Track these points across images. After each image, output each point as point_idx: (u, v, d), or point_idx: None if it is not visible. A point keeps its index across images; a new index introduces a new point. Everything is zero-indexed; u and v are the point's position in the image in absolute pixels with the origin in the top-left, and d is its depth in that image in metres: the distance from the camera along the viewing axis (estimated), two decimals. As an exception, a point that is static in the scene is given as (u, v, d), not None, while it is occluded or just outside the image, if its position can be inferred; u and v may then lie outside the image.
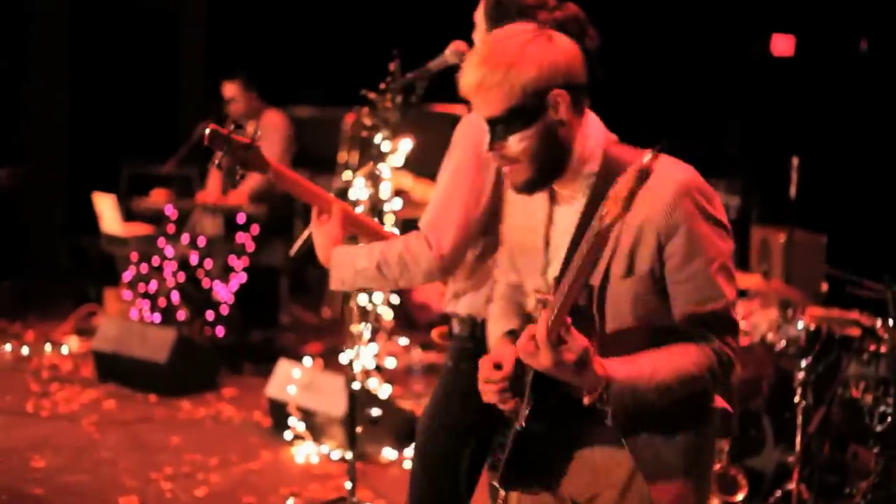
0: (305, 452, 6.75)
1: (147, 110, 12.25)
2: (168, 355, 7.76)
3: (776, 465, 5.93)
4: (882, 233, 8.78)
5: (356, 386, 5.59)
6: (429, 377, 8.35)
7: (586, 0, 3.93)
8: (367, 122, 5.41)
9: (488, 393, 2.94)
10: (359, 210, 5.94)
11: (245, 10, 12.62)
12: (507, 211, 3.15)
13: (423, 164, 7.59)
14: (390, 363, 7.29)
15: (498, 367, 2.93)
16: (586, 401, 2.69)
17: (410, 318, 9.36)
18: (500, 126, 2.79)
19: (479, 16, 3.93)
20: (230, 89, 9.14)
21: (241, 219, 8.68)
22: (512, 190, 2.93)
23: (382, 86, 5.14)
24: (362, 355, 7.16)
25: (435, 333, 4.23)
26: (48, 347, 8.82)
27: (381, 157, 6.56)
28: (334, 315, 9.71)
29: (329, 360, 8.01)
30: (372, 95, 5.21)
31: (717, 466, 5.47)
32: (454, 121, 11.12)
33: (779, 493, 5.72)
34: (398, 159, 6.64)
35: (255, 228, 8.65)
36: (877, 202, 9.11)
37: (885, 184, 8.88)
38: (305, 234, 4.42)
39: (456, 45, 4.35)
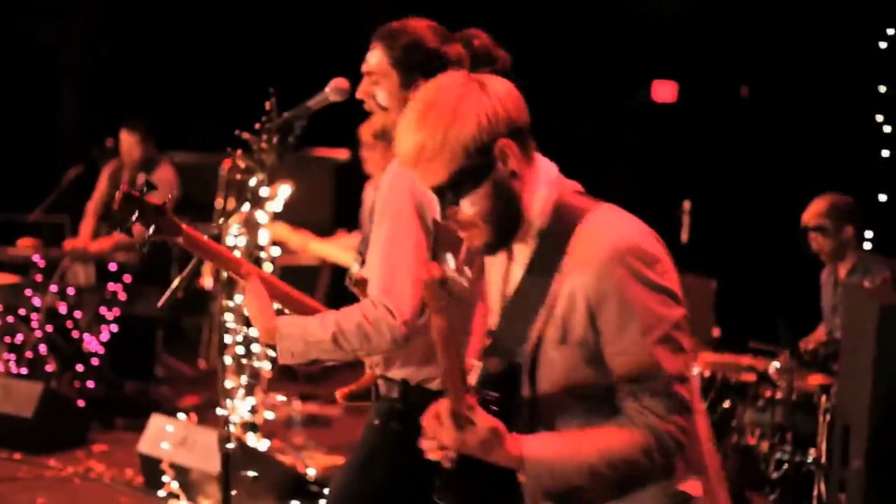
0: (180, 511, 6.43)
1: (22, 154, 11.85)
2: (34, 410, 7.36)
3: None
4: (769, 276, 8.75)
5: (230, 446, 5.26)
6: (309, 429, 8.07)
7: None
8: (242, 164, 5.15)
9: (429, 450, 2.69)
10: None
11: (125, 53, 12.33)
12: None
13: (302, 210, 7.37)
14: (269, 416, 7.02)
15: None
16: (521, 478, 2.55)
17: (290, 369, 9.09)
18: (450, 192, 2.60)
19: (381, 63, 3.69)
20: (129, 138, 8.86)
21: (112, 267, 8.34)
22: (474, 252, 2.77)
23: (257, 126, 4.89)
24: (239, 409, 6.90)
25: (339, 394, 3.96)
26: None
27: (259, 202, 6.32)
28: (210, 367, 9.39)
29: (204, 414, 7.67)
30: (247, 136, 4.94)
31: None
32: (334, 165, 11.05)
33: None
34: (277, 205, 6.40)
35: (128, 277, 8.31)
36: (763, 246, 9.08)
37: (770, 226, 8.85)
38: (174, 284, 4.14)
39: (337, 83, 4.10)
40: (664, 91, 11.98)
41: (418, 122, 2.56)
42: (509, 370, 2.62)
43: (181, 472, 6.49)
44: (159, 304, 4.54)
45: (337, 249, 7.37)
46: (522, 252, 2.68)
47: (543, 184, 2.65)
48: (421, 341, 3.54)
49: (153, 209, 3.41)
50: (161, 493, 6.53)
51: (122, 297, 8.30)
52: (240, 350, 7.03)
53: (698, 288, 7.38)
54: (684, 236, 6.70)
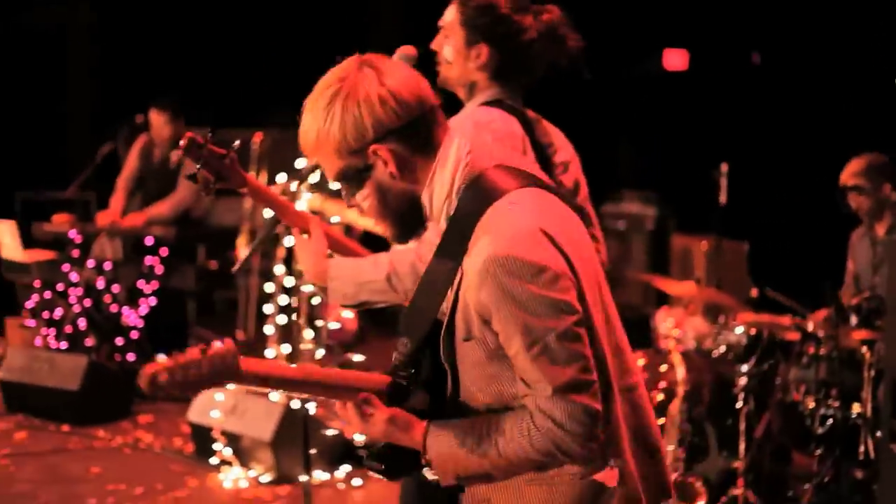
0: (233, 477, 6.55)
1: (33, 135, 11.89)
2: (80, 383, 7.49)
3: (720, 472, 5.88)
4: (805, 237, 8.83)
5: (309, 407, 5.40)
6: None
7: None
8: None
9: None
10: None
11: (133, 33, 12.36)
12: None
13: (326, 181, 7.48)
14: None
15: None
16: (424, 461, 2.60)
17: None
18: (344, 186, 2.64)
19: (453, 20, 3.82)
20: (158, 118, 8.93)
21: (148, 241, 8.43)
22: None
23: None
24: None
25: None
26: (-52, 380, 8.42)
27: (298, 174, 6.42)
28: (248, 338, 9.48)
29: (245, 384, 7.77)
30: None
31: (675, 475, 5.42)
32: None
33: (725, 499, 5.67)
34: (315, 176, 6.50)
35: (165, 251, 8.40)
36: (790, 210, 9.19)
37: (800, 188, 8.95)
38: (249, 251, 4.23)
39: (405, 50, 4.17)
40: (675, 59, 12.06)
41: (301, 121, 2.60)
42: (419, 350, 2.63)
43: (232, 440, 6.61)
44: (234, 269, 4.66)
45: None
46: None
47: (448, 171, 2.60)
48: None
49: (218, 157, 3.47)
50: (213, 460, 6.66)
51: (159, 270, 8.38)
52: (281, 319, 7.17)
53: (732, 250, 7.50)
54: (722, 198, 6.78)
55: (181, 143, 3.43)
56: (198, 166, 3.43)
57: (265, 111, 11.85)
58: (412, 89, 2.57)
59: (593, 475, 2.55)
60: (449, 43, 3.87)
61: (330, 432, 6.24)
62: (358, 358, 6.55)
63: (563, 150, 3.99)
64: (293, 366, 2.67)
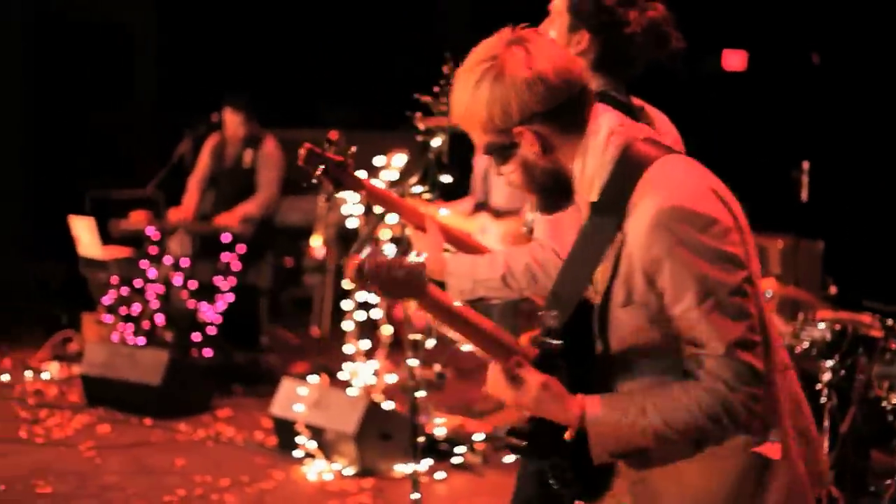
0: (317, 470, 6.65)
1: (98, 134, 12.04)
2: (162, 377, 7.61)
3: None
4: (883, 235, 8.84)
5: (419, 394, 5.54)
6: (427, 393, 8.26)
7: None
8: (422, 126, 5.35)
9: None
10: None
11: (195, 31, 12.48)
12: None
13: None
14: (390, 379, 7.27)
15: None
16: (567, 436, 2.57)
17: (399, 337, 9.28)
18: (492, 157, 2.70)
19: (560, 4, 3.90)
20: (234, 118, 9.06)
21: (225, 238, 8.55)
22: None
23: (437, 89, 5.07)
24: (362, 372, 7.13)
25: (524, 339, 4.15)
26: (28, 374, 8.56)
27: (376, 171, 6.53)
28: (323, 334, 9.58)
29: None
30: (427, 99, 5.13)
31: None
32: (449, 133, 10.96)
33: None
34: (392, 174, 6.60)
35: (242, 248, 8.52)
36: (863, 208, 9.21)
37: (872, 189, 8.98)
38: (353, 248, 4.33)
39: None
40: (734, 60, 12.09)
41: (451, 94, 2.67)
42: (570, 322, 2.63)
43: (316, 433, 6.71)
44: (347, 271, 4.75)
45: (451, 215, 7.59)
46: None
47: (601, 141, 2.62)
48: None
49: (336, 164, 3.57)
50: (297, 453, 6.76)
51: (236, 267, 8.50)
52: (360, 315, 7.25)
53: (808, 249, 7.54)
54: (804, 196, 6.82)
55: (300, 151, 3.53)
56: (318, 175, 3.54)
57: (329, 110, 12.00)
58: (561, 71, 2.59)
59: (756, 448, 2.54)
60: (554, 28, 3.95)
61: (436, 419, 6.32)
62: (467, 348, 6.61)
63: (668, 135, 4.03)
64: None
